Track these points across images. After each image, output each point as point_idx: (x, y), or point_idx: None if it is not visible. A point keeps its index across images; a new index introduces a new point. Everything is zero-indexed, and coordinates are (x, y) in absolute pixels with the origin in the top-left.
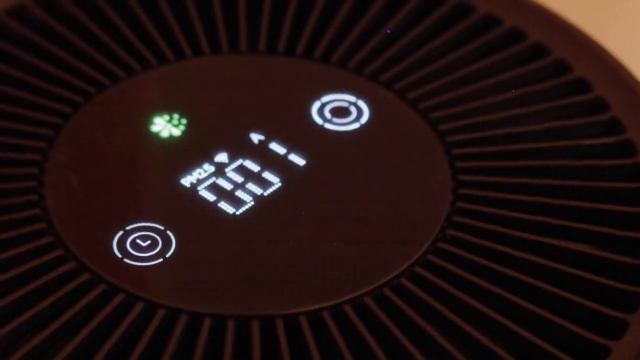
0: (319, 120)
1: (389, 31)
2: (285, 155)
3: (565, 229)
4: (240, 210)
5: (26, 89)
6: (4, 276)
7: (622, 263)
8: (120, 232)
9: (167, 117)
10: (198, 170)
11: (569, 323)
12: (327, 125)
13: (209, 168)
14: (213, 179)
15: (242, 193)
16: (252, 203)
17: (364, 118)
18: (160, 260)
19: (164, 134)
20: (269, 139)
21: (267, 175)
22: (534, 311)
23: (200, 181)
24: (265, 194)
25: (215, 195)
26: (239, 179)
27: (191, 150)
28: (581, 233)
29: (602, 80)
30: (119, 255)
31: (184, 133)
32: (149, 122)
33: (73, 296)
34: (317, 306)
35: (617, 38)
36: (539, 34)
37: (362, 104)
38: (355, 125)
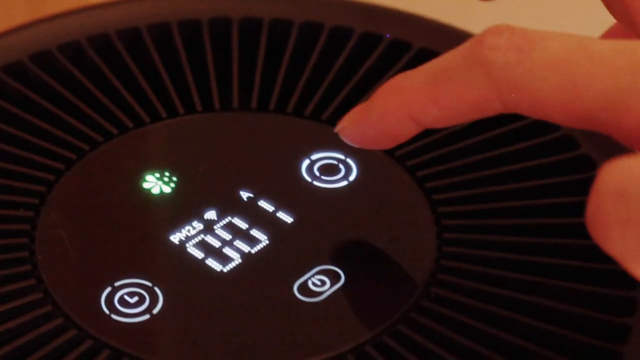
0: (307, 178)
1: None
2: (274, 212)
3: (550, 286)
4: (228, 268)
5: (19, 146)
6: None
7: (608, 322)
8: (109, 289)
9: (158, 174)
10: (187, 227)
11: None
12: (316, 183)
13: (197, 225)
14: (202, 236)
15: (230, 250)
16: (240, 260)
17: (352, 175)
18: (147, 316)
19: (155, 191)
20: (258, 196)
21: (255, 232)
22: None
23: (188, 238)
24: (253, 251)
25: (203, 252)
26: (227, 236)
27: (181, 207)
28: (567, 291)
29: (588, 138)
30: (107, 312)
31: (175, 190)
32: (140, 179)
33: (60, 352)
34: None
35: None
36: None
37: (350, 161)
38: (344, 183)
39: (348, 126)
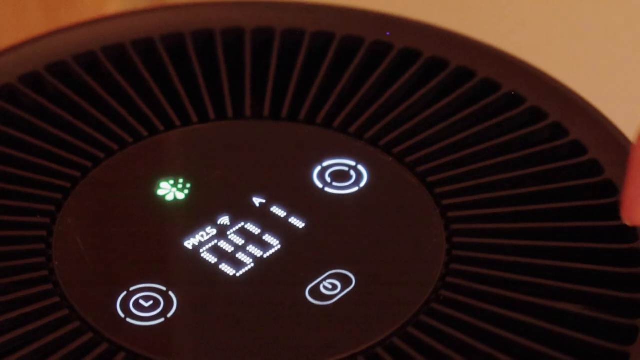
0: (319, 184)
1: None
2: (286, 218)
3: (558, 289)
4: (241, 272)
5: (36, 154)
6: (11, 335)
7: (615, 324)
8: (124, 293)
9: (172, 181)
10: (201, 232)
11: None
12: (327, 189)
13: (211, 231)
14: (215, 241)
15: (243, 255)
16: (252, 265)
17: (363, 182)
18: (162, 320)
19: (169, 197)
20: (270, 202)
21: (267, 237)
22: None
23: (202, 243)
24: (265, 256)
25: (216, 257)
26: (240, 241)
27: (195, 213)
28: (574, 294)
29: (596, 143)
30: (122, 315)
31: (188, 196)
32: (155, 186)
33: (77, 355)
34: None
35: (613, 99)
36: (536, 98)
37: (361, 168)
38: (354, 189)
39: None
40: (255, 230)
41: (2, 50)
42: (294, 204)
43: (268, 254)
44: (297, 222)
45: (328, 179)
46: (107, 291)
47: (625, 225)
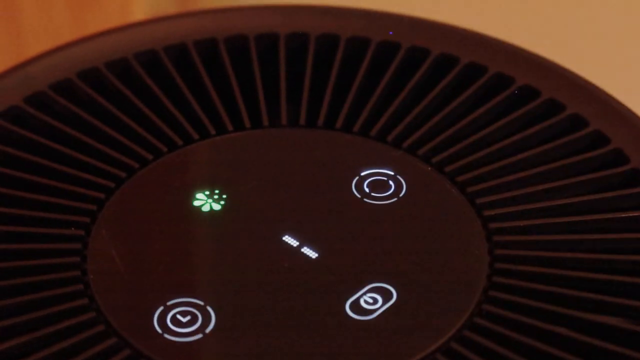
0: (357, 194)
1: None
2: (325, 229)
3: (602, 303)
4: (280, 285)
5: (70, 164)
6: (47, 351)
7: None
8: (161, 308)
9: (208, 192)
10: (238, 245)
11: None
12: (366, 199)
13: (248, 243)
14: (253, 253)
15: (282, 267)
16: (291, 278)
17: (402, 192)
18: (200, 335)
19: (205, 208)
20: (309, 213)
21: (305, 250)
22: None
23: (240, 256)
24: (304, 268)
25: (254, 270)
26: (278, 253)
27: (231, 225)
28: (617, 307)
29: (638, 151)
30: (159, 331)
31: (225, 208)
32: (191, 196)
33: None
34: None
35: None
36: (576, 105)
37: (400, 177)
38: (394, 199)
39: None
40: (293, 242)
41: (33, 57)
42: (332, 214)
43: (307, 266)
44: (336, 234)
45: (366, 189)
46: (144, 306)
47: None
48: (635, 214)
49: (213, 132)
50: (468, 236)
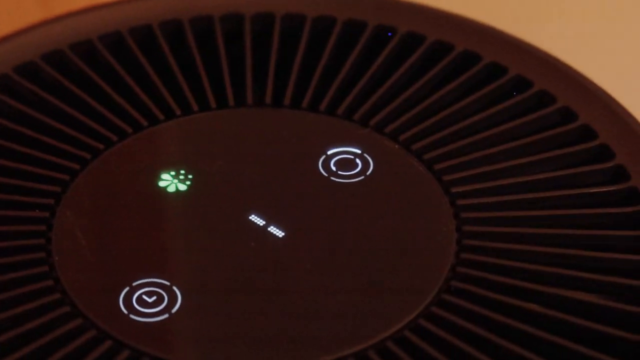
0: (324, 173)
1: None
2: (291, 208)
3: (572, 278)
4: (246, 265)
5: (33, 146)
6: (11, 334)
7: (631, 313)
8: (127, 288)
9: (173, 172)
10: (204, 225)
11: None
12: (333, 178)
13: (214, 223)
14: (219, 233)
15: (247, 247)
16: (257, 257)
17: (369, 170)
18: (166, 315)
19: (171, 189)
20: (275, 192)
21: (272, 229)
22: None
23: (205, 236)
24: (271, 247)
25: (220, 250)
26: (244, 232)
27: (197, 205)
28: (588, 283)
29: (606, 127)
30: (125, 311)
31: (190, 188)
32: (156, 177)
33: (79, 353)
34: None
35: (620, 82)
36: (543, 82)
37: (367, 156)
38: (361, 177)
39: None
40: (260, 221)
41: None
42: (299, 193)
43: (274, 245)
44: (303, 213)
45: (333, 168)
46: (109, 286)
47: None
48: (605, 189)
49: (178, 112)
50: (435, 213)
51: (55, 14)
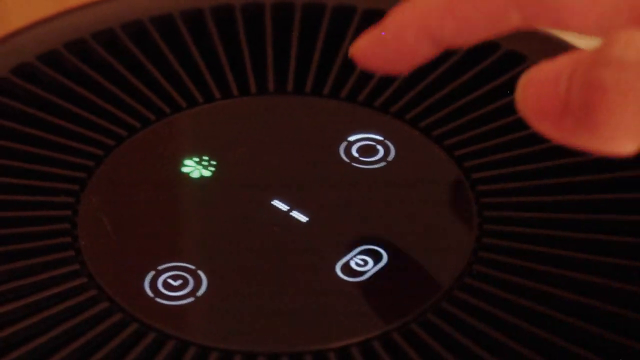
0: (346, 159)
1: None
2: (313, 193)
3: (592, 263)
4: (270, 250)
5: (58, 133)
6: (38, 317)
7: None
8: (152, 272)
9: (197, 158)
10: (227, 210)
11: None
12: (355, 164)
13: (238, 208)
14: (243, 218)
15: (272, 232)
16: (281, 242)
17: (391, 156)
18: (192, 299)
19: (195, 175)
20: (297, 177)
21: (295, 214)
22: (562, 345)
23: (230, 221)
24: (294, 232)
25: (244, 234)
26: (267, 218)
27: (221, 191)
28: (610, 267)
29: None
30: (151, 295)
31: (214, 174)
32: (180, 163)
33: (106, 335)
34: (345, 342)
35: None
36: None
37: (388, 142)
38: (382, 164)
39: (362, 47)
40: (283, 207)
41: (19, 29)
42: (321, 179)
43: (297, 230)
44: (326, 198)
45: (355, 154)
46: (135, 270)
47: None
48: (626, 173)
49: (201, 100)
50: (457, 199)
51: (68, 6)
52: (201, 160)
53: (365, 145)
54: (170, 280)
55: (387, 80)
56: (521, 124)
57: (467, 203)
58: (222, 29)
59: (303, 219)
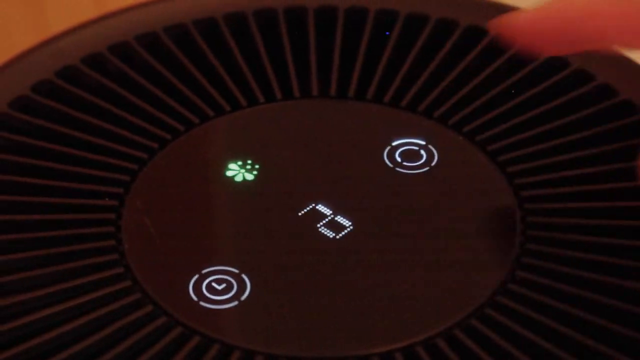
0: (389, 164)
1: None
2: (357, 198)
3: (636, 269)
4: (314, 254)
5: (102, 136)
6: (83, 320)
7: None
8: (196, 276)
9: (240, 162)
10: (271, 214)
11: None
12: (398, 169)
13: (281, 212)
14: (286, 223)
15: (315, 237)
16: (325, 247)
17: (434, 161)
18: (236, 303)
19: (238, 179)
20: (341, 182)
21: (339, 219)
22: (605, 353)
23: (273, 225)
24: (338, 237)
25: (289, 239)
26: (311, 222)
27: (264, 195)
28: None
29: None
30: (195, 299)
31: (257, 178)
32: (223, 167)
33: (150, 339)
34: (389, 347)
35: None
36: (605, 75)
37: (431, 147)
38: (426, 168)
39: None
40: (326, 211)
41: (62, 32)
42: (364, 184)
43: (340, 235)
44: (369, 203)
45: (398, 159)
46: (179, 274)
47: None
48: None
49: (244, 103)
50: (500, 204)
51: (113, 8)
52: (245, 164)
53: (408, 150)
54: (214, 284)
55: (430, 85)
56: (563, 131)
57: (510, 209)
58: (265, 32)
59: (346, 223)
